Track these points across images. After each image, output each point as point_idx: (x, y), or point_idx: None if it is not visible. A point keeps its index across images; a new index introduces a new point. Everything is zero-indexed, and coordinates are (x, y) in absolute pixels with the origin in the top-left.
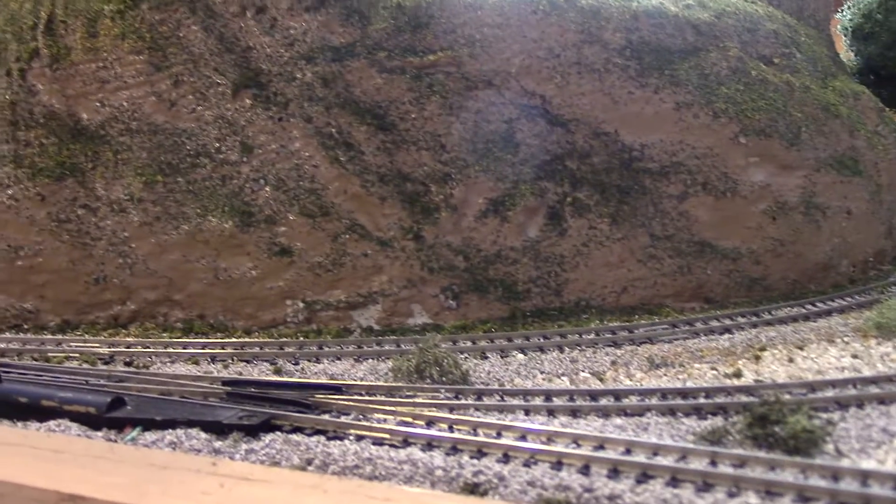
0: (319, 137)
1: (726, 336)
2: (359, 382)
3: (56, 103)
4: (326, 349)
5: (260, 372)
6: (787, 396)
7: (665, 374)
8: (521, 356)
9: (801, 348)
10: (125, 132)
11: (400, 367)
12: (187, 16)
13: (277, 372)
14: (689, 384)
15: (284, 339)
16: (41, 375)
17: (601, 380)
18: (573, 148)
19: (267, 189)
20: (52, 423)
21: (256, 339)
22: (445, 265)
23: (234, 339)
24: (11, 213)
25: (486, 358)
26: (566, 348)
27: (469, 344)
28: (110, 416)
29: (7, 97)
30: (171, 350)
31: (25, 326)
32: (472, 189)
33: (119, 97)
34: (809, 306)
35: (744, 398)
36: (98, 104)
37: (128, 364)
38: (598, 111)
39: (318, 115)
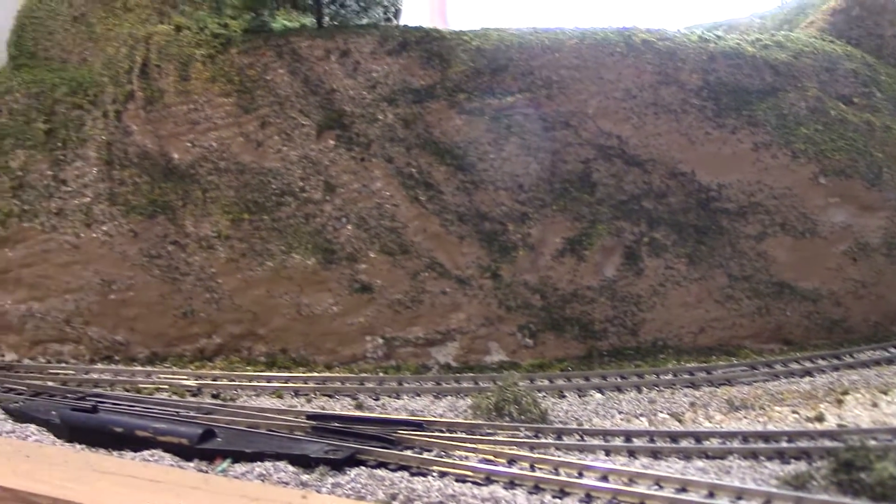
0: (400, 177)
1: (807, 379)
2: (440, 419)
3: (149, 144)
4: (406, 385)
5: (342, 406)
6: (873, 442)
7: (745, 417)
8: (598, 395)
9: (884, 393)
10: (214, 171)
11: (479, 405)
12: (274, 60)
13: (359, 407)
14: (771, 427)
15: (364, 375)
16: (134, 406)
17: (680, 421)
18: (650, 188)
19: (349, 227)
20: (146, 453)
21: (337, 374)
22: (522, 303)
23: (315, 374)
24: (105, 249)
25: (564, 397)
26: (644, 388)
27: (546, 382)
28: (201, 448)
29: (104, 138)
30: (256, 383)
31: (116, 358)
32: (550, 228)
33: (208, 138)
34: (893, 349)
35: (827, 443)
36: (189, 144)
37: (215, 396)
38: (674, 151)
39: (399, 155)
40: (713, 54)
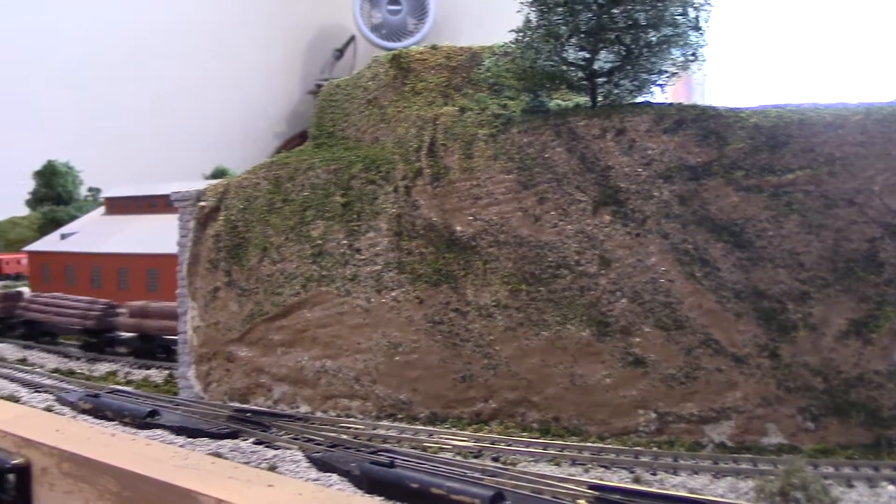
0: (675, 253)
1: None
2: (723, 500)
3: (435, 217)
4: (682, 462)
5: (619, 478)
6: None
7: None
8: (891, 488)
9: None
10: (494, 244)
11: (763, 488)
12: (552, 138)
13: (636, 481)
14: None
15: (638, 448)
16: (422, 464)
17: None
18: None
19: (623, 301)
20: None
21: (611, 446)
22: (803, 385)
23: (589, 444)
24: (393, 313)
25: (853, 486)
26: None
27: (831, 469)
28: None
29: (394, 211)
30: (533, 449)
31: (400, 416)
32: (832, 309)
33: (489, 212)
34: None
35: None
36: (470, 218)
37: (495, 459)
38: None
39: (675, 231)
40: None
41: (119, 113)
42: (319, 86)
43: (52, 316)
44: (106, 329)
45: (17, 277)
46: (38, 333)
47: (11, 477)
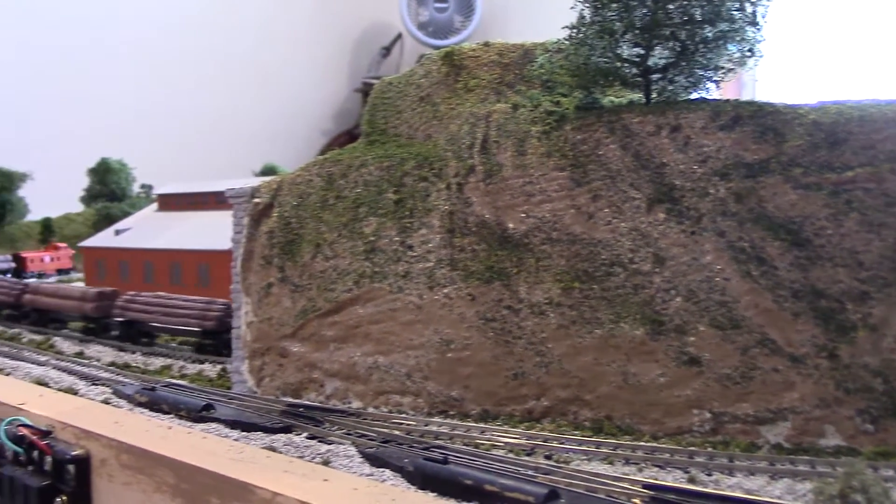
0: (731, 251)
1: None
2: (781, 501)
3: (487, 214)
4: (737, 462)
5: (674, 478)
6: None
7: None
8: None
9: None
10: (546, 241)
11: (822, 491)
12: (606, 135)
13: (691, 481)
14: None
15: (692, 448)
16: (474, 461)
17: None
18: None
19: (678, 299)
20: None
21: (665, 445)
22: (862, 387)
23: (642, 443)
24: (446, 310)
25: None
26: None
27: (891, 472)
28: None
29: (446, 208)
30: (585, 448)
31: (451, 413)
32: (893, 309)
33: (542, 209)
34: None
35: None
36: (523, 215)
37: (547, 458)
38: None
39: (731, 229)
40: None
41: (170, 112)
42: (366, 83)
43: (160, 316)
44: (225, 330)
45: (40, 277)
46: (136, 335)
47: (71, 468)
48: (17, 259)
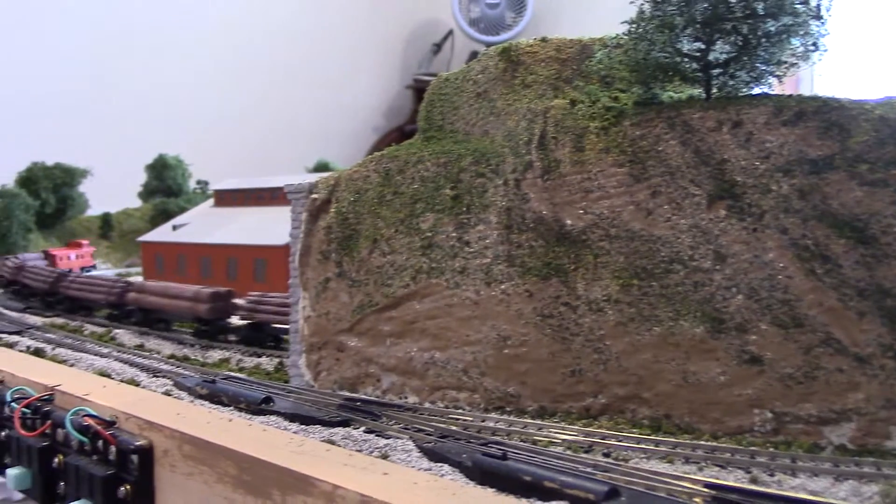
0: (794, 249)
1: None
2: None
3: (544, 210)
4: (800, 463)
5: (735, 478)
6: None
7: None
8: None
9: None
10: (604, 238)
11: (889, 493)
12: (666, 131)
13: (753, 481)
14: None
15: (753, 448)
16: (533, 457)
17: None
18: None
19: (739, 297)
20: None
21: (725, 445)
22: None
23: (702, 442)
24: (503, 306)
25: None
26: None
27: None
28: None
29: (504, 204)
30: (644, 446)
31: (508, 409)
32: None
33: (600, 206)
34: None
35: None
36: (581, 212)
37: (606, 455)
38: None
39: (794, 226)
40: None
41: (225, 108)
42: (417, 80)
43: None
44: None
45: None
46: (265, 337)
47: (135, 458)
48: (48, 256)
